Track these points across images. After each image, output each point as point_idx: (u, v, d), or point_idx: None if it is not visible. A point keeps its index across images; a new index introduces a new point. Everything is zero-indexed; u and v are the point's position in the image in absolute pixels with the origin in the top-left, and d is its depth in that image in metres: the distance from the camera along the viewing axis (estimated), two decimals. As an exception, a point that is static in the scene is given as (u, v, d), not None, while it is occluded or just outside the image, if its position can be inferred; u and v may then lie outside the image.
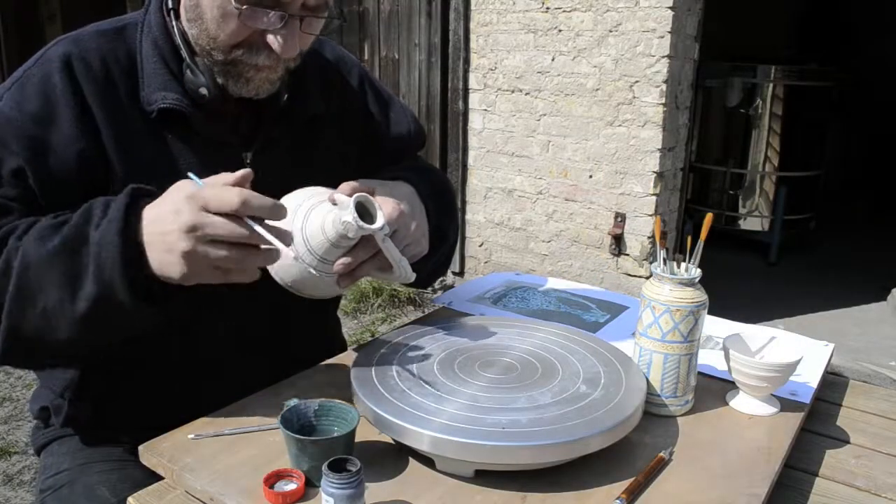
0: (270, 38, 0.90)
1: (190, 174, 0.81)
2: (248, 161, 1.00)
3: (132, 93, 0.93)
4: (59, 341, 0.83)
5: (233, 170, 0.99)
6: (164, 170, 0.94)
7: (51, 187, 0.89)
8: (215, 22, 0.89)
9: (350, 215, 0.85)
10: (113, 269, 0.77)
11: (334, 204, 0.89)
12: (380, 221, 0.88)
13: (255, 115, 1.02)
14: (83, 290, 0.79)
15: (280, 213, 0.78)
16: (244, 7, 0.86)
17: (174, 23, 0.95)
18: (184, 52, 0.94)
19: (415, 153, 1.28)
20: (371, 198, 0.90)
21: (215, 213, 0.75)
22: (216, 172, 0.97)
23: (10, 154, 0.88)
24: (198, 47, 0.94)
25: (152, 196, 0.81)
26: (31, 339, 0.82)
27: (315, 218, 0.90)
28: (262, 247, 0.79)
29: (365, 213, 0.88)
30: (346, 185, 0.92)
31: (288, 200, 0.95)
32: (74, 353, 0.90)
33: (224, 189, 0.76)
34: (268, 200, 0.77)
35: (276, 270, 0.93)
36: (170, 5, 0.96)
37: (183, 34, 0.95)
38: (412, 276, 0.95)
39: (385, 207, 0.91)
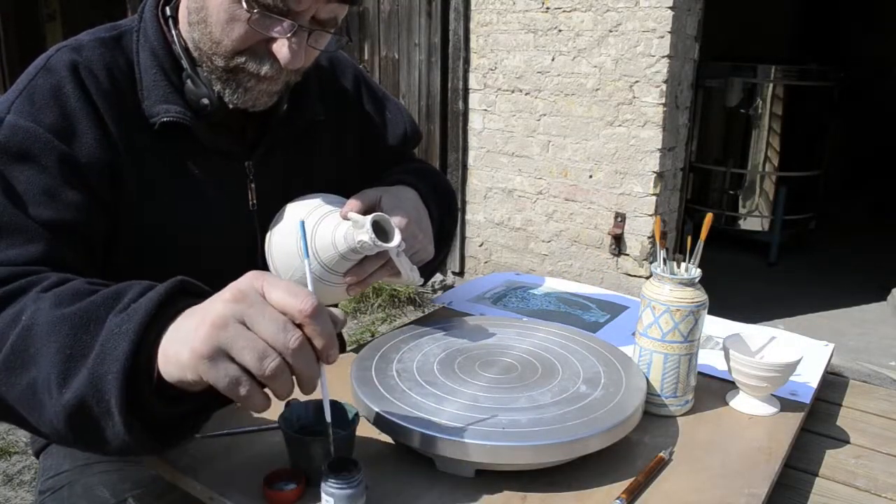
0: (276, 47, 0.87)
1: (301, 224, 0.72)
2: (251, 169, 1.00)
3: (135, 104, 0.91)
4: (42, 426, 0.69)
5: (237, 179, 0.99)
6: (169, 183, 0.93)
7: (85, 209, 0.85)
8: (220, 25, 0.86)
9: (367, 235, 0.86)
10: (113, 364, 0.62)
11: (346, 219, 0.89)
12: (396, 239, 0.89)
13: (258, 124, 1.01)
14: (76, 378, 0.64)
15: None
16: (254, 12, 0.83)
17: (173, 31, 0.93)
18: (184, 62, 0.92)
19: (411, 152, 1.28)
20: (386, 216, 0.90)
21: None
22: (220, 181, 0.97)
23: (40, 171, 0.82)
24: (198, 52, 0.91)
25: (202, 297, 0.67)
26: (14, 408, 0.70)
27: (325, 230, 0.90)
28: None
29: (379, 230, 0.89)
30: (355, 202, 0.91)
31: (294, 209, 0.95)
32: (64, 444, 0.74)
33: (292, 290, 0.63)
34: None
35: (282, 278, 0.93)
36: (168, 13, 0.94)
37: (183, 43, 0.93)
38: (420, 281, 0.95)
39: (395, 220, 0.91)
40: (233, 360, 0.61)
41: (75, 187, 0.85)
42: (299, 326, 0.62)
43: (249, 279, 0.63)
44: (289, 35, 0.85)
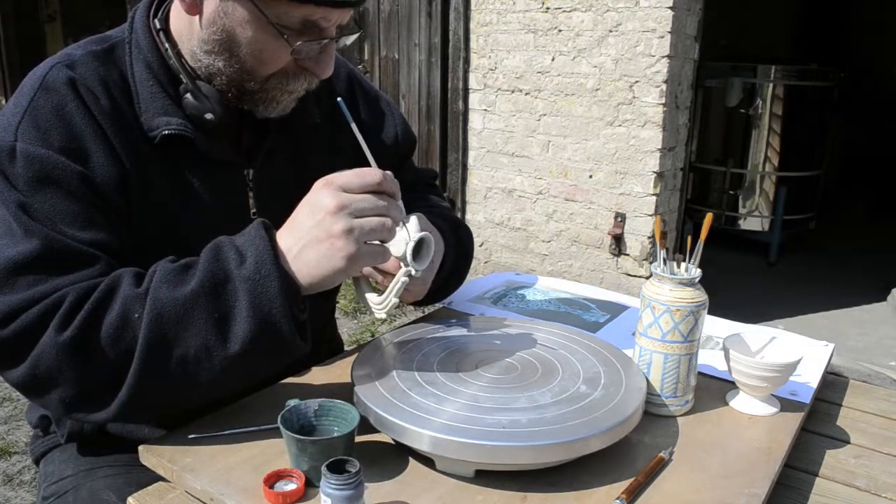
0: (311, 64, 0.91)
1: (339, 100, 0.88)
2: (251, 177, 1.00)
3: (133, 117, 0.91)
4: (191, 392, 0.81)
5: (237, 188, 1.00)
6: (170, 194, 0.93)
7: (112, 225, 0.87)
8: (255, 57, 0.89)
9: (412, 241, 0.88)
10: (273, 302, 0.77)
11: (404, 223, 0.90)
12: (419, 266, 0.91)
13: (257, 130, 1.01)
14: (234, 330, 0.78)
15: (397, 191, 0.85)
16: (297, 45, 0.87)
17: (166, 44, 0.93)
18: (183, 77, 0.93)
19: (408, 155, 1.26)
20: (432, 245, 0.93)
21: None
22: (220, 191, 0.98)
23: (67, 195, 0.83)
24: (223, 77, 0.92)
25: (272, 229, 0.83)
26: (159, 393, 0.80)
27: None
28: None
29: (416, 247, 0.90)
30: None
31: None
32: (200, 403, 0.86)
33: (359, 171, 0.82)
34: (394, 180, 0.84)
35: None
36: (158, 26, 0.94)
37: (180, 57, 0.93)
38: (382, 316, 0.97)
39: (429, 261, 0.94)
40: (367, 243, 0.81)
41: (99, 207, 0.86)
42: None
43: (327, 193, 0.80)
44: (320, 53, 0.91)
